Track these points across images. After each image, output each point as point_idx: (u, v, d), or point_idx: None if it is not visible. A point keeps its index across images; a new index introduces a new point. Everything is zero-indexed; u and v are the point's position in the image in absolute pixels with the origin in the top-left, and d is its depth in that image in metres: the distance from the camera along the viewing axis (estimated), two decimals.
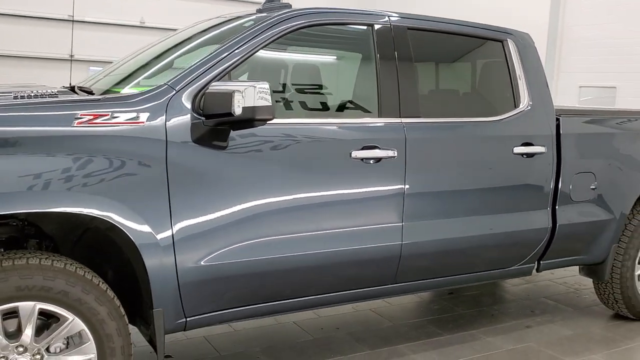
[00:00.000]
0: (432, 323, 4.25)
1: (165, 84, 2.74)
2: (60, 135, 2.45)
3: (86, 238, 2.90)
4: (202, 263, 2.72)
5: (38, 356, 2.49)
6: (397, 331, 4.07)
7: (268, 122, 2.69)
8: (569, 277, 5.48)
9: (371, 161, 3.09)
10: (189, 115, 2.68)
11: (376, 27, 3.27)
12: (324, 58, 3.43)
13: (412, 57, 3.34)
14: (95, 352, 2.56)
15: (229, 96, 2.56)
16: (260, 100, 2.55)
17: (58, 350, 2.55)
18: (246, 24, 3.08)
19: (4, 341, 2.41)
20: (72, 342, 2.56)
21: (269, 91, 2.56)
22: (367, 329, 4.10)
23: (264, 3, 3.34)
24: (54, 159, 2.42)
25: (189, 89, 2.73)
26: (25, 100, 2.52)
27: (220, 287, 2.80)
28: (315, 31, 3.16)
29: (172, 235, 2.63)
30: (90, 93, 3.06)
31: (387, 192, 3.16)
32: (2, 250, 2.71)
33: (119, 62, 3.86)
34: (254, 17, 3.14)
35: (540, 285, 5.27)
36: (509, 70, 3.74)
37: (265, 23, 2.99)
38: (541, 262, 3.94)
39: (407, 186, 3.21)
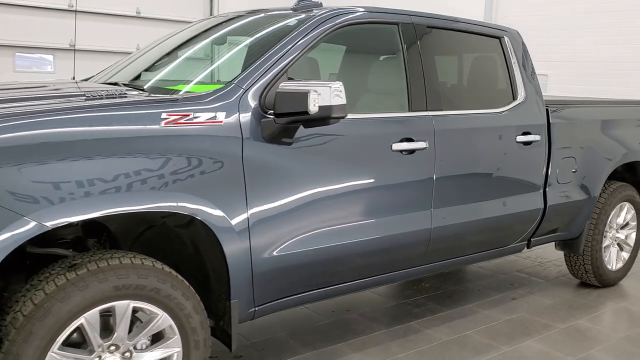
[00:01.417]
0: (431, 300, 4.56)
1: (232, 82, 2.82)
2: (150, 135, 2.49)
3: (147, 235, 2.94)
4: (274, 253, 2.85)
5: (127, 354, 2.53)
6: (402, 310, 4.35)
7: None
8: (530, 252, 5.99)
9: (407, 152, 3.32)
10: (258, 114, 2.79)
11: (402, 25, 3.48)
12: (360, 56, 3.60)
13: (432, 53, 3.58)
14: (181, 346, 2.64)
15: (304, 96, 2.68)
16: (335, 98, 2.69)
17: (144, 346, 2.61)
18: (291, 23, 3.20)
19: (99, 340, 2.44)
20: (157, 338, 2.62)
21: (343, 90, 2.71)
22: (374, 309, 4.34)
23: (298, 2, 3.46)
24: (145, 159, 2.46)
25: (255, 88, 2.83)
26: (109, 101, 2.53)
27: (287, 275, 2.94)
28: (352, 30, 3.31)
29: (249, 228, 2.74)
30: (141, 90, 3.07)
31: (420, 181, 3.40)
32: (71, 250, 2.72)
33: (135, 56, 3.85)
34: (300, 16, 3.25)
35: (509, 260, 5.73)
36: (506, 65, 4.08)
37: (313, 22, 3.12)
38: (531, 239, 4.34)
39: (435, 175, 3.46)
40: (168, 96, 2.71)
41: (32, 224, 2.19)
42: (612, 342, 3.95)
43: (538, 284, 5.07)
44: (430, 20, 3.65)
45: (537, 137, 4.05)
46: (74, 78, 4.07)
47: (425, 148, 3.39)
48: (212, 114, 2.66)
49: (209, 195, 2.62)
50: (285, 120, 2.77)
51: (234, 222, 2.69)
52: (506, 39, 4.11)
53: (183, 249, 2.90)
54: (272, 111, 2.82)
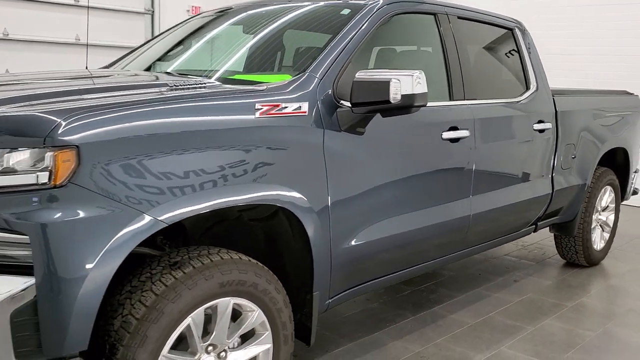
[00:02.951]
0: (441, 286, 4.66)
1: (306, 72, 2.76)
2: (248, 126, 2.41)
3: (213, 231, 2.84)
4: (350, 243, 2.83)
5: (223, 354, 2.45)
6: (419, 296, 4.42)
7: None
8: None
9: (453, 141, 3.38)
10: (332, 103, 2.75)
11: (439, 16, 3.53)
12: (402, 46, 3.61)
13: (464, 43, 3.66)
14: (272, 341, 2.58)
15: (385, 84, 2.67)
16: (417, 87, 2.70)
17: (236, 345, 2.52)
18: (344, 12, 3.17)
19: (201, 341, 2.34)
20: (246, 336, 2.55)
21: (424, 78, 2.72)
22: (393, 297, 4.38)
23: None
24: (244, 150, 2.38)
25: (328, 77, 2.79)
26: (205, 91, 2.42)
27: (358, 265, 2.93)
28: (399, 19, 3.32)
29: (329, 219, 2.71)
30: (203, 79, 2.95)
31: (463, 168, 3.48)
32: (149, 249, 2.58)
33: (157, 44, 3.69)
34: (348, 4, 3.22)
35: None
36: (519, 55, 4.23)
37: (369, 9, 3.10)
38: (538, 223, 4.53)
39: (474, 163, 3.55)
40: (257, 87, 2.62)
41: (149, 219, 2.07)
42: (620, 316, 4.19)
43: (530, 266, 5.29)
44: (459, 11, 3.72)
45: (549, 125, 4.22)
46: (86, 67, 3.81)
47: (467, 137, 3.46)
48: (297, 104, 2.60)
49: (298, 187, 2.56)
50: (363, 110, 2.75)
51: (318, 213, 2.65)
52: (517, 30, 4.26)
53: (252, 243, 2.83)
54: (343, 101, 2.78)
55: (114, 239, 1.99)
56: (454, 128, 3.37)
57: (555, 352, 3.60)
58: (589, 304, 4.42)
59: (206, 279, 2.27)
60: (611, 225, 5.44)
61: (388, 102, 2.68)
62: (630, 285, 4.88)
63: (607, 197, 5.29)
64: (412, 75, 2.68)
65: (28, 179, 1.92)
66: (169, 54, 3.58)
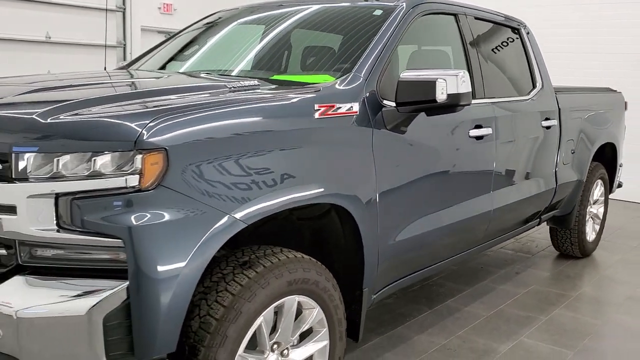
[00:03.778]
0: (447, 280, 4.77)
1: (351, 72, 2.81)
2: (309, 127, 2.44)
3: (262, 229, 2.86)
4: (395, 239, 2.89)
5: (285, 351, 2.47)
6: (429, 290, 4.52)
7: None
8: None
9: (478, 139, 3.48)
10: (377, 102, 2.80)
11: (459, 17, 3.62)
12: (426, 46, 3.68)
13: (480, 43, 3.77)
14: (328, 338, 2.61)
15: (431, 84, 2.74)
16: (462, 86, 2.78)
17: (295, 342, 2.55)
18: (376, 13, 3.22)
19: (268, 339, 2.36)
20: (304, 333, 2.58)
21: (468, 78, 2.80)
22: (403, 292, 4.46)
23: None
24: (305, 149, 2.42)
25: (372, 77, 2.84)
26: (266, 94, 2.44)
27: (402, 259, 3.00)
28: (426, 19, 3.40)
29: (377, 216, 2.76)
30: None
31: (486, 165, 3.59)
32: None
33: (180, 44, 3.67)
34: (379, 5, 3.28)
35: None
36: (525, 54, 4.36)
37: (399, 10, 3.16)
38: (542, 216, 4.69)
39: (495, 160, 3.66)
40: (310, 88, 2.64)
41: (231, 220, 2.08)
42: (622, 304, 4.38)
43: (526, 258, 5.46)
44: (475, 11, 3.83)
45: (555, 122, 4.38)
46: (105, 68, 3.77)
47: (490, 134, 3.57)
48: (349, 105, 2.65)
49: (353, 186, 2.61)
50: (409, 109, 2.81)
51: (369, 210, 2.70)
52: (522, 29, 4.39)
53: (297, 242, 2.85)
54: (385, 100, 2.84)
55: (202, 240, 2.00)
56: (479, 126, 3.47)
57: (573, 340, 3.75)
58: (590, 294, 4.60)
59: (276, 277, 2.30)
60: (601, 218, 5.65)
61: (434, 101, 2.75)
62: (623, 274, 5.09)
63: (598, 190, 5.50)
64: (458, 75, 2.76)
65: (118, 183, 1.91)
66: (196, 54, 3.56)
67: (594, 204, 5.52)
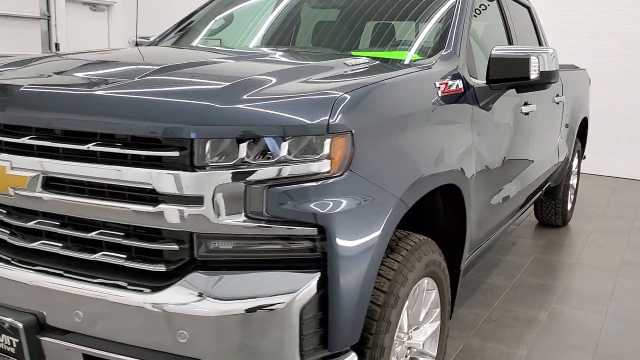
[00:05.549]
0: None
1: (448, 49, 2.77)
2: (436, 105, 2.40)
3: None
4: (483, 213, 2.92)
5: (411, 333, 2.45)
6: None
7: None
8: None
9: (526, 114, 3.56)
10: (468, 79, 2.79)
11: None
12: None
13: (513, 22, 3.84)
14: (439, 318, 2.61)
15: (525, 61, 2.76)
16: (552, 63, 2.82)
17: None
18: None
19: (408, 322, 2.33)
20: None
21: (557, 56, 2.84)
22: None
23: None
24: (438, 128, 2.37)
25: (462, 54, 2.82)
26: (397, 72, 2.35)
27: (483, 232, 3.04)
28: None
29: (474, 193, 2.77)
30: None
31: (531, 139, 3.69)
32: None
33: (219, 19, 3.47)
34: None
35: None
36: (535, 30, 4.49)
37: None
38: (543, 188, 4.89)
39: (535, 134, 3.77)
40: (418, 65, 2.58)
41: (401, 202, 2.01)
42: (619, 269, 4.68)
43: (514, 229, 5.69)
44: None
45: (563, 98, 4.56)
46: (137, 44, 3.46)
47: (534, 111, 3.66)
48: (455, 82, 2.62)
49: (462, 163, 2.60)
50: (502, 86, 2.82)
51: (471, 188, 2.70)
52: (532, 8, 4.51)
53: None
54: (472, 77, 2.83)
55: (383, 226, 1.92)
56: (527, 103, 3.55)
57: (599, 305, 3.97)
58: (587, 261, 4.87)
59: (418, 260, 2.25)
60: (575, 188, 5.98)
61: (526, 78, 2.77)
62: (605, 240, 5.43)
63: (574, 162, 5.81)
64: (550, 52, 2.79)
65: (309, 169, 1.78)
66: (248, 29, 3.36)
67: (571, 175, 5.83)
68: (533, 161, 3.85)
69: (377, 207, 1.91)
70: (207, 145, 1.74)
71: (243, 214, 1.76)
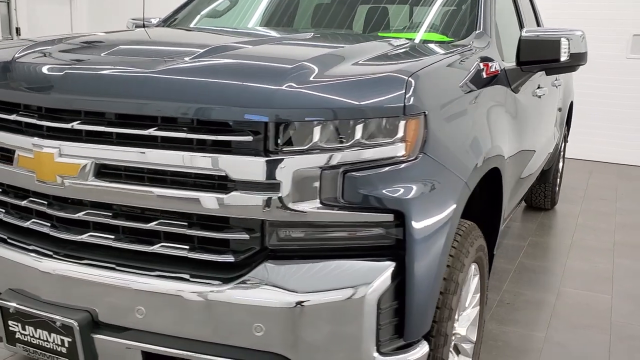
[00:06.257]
0: None
1: (479, 30, 2.73)
2: (484, 85, 2.36)
3: None
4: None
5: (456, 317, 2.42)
6: None
7: None
8: None
9: (538, 97, 3.56)
10: (499, 60, 2.76)
11: None
12: None
13: (521, 6, 3.83)
14: (479, 304, 2.59)
15: (556, 43, 2.74)
16: (582, 45, 2.81)
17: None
18: None
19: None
20: None
21: (586, 38, 2.83)
22: None
23: None
24: (489, 109, 2.34)
25: (493, 35, 2.78)
26: (456, 52, 2.29)
27: (505, 213, 3.02)
28: None
29: (509, 174, 2.75)
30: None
31: (542, 121, 3.70)
32: None
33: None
34: None
35: None
36: (534, 13, 4.50)
37: None
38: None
39: (544, 115, 3.79)
40: (457, 46, 2.53)
41: (466, 186, 1.97)
42: (613, 250, 4.77)
43: None
44: None
45: (561, 82, 4.59)
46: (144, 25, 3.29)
47: (545, 94, 3.66)
48: (494, 63, 2.58)
49: (503, 145, 2.56)
50: (533, 68, 2.80)
51: (506, 169, 2.67)
52: None
53: None
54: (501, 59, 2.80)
55: (454, 210, 1.87)
56: (539, 86, 3.54)
57: (603, 285, 4.03)
58: (583, 241, 4.94)
59: (471, 245, 2.22)
60: (560, 171, 6.07)
61: (557, 60, 2.75)
62: (594, 222, 5.52)
63: (562, 146, 5.89)
64: (579, 34, 2.78)
65: (385, 152, 1.71)
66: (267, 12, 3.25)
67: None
68: (542, 145, 3.86)
69: (448, 191, 1.86)
70: (282, 129, 1.65)
71: (318, 200, 1.67)
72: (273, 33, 2.67)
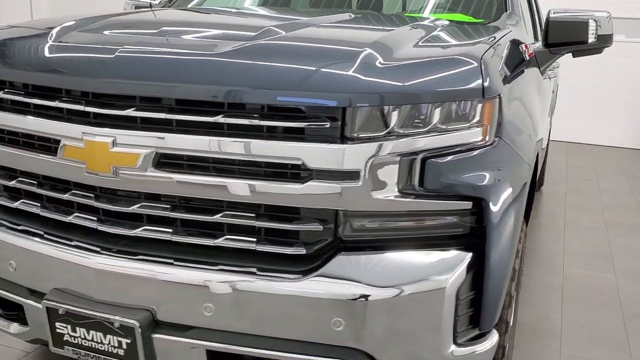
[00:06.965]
0: None
1: (510, 10, 2.69)
2: (528, 67, 2.31)
3: None
4: None
5: None
6: None
7: None
8: None
9: (548, 78, 3.56)
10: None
11: None
12: None
13: None
14: (516, 288, 2.57)
15: (584, 25, 2.72)
16: (609, 27, 2.79)
17: None
18: None
19: None
20: None
21: (612, 19, 2.82)
22: None
23: None
24: (530, 94, 2.31)
25: (522, 16, 2.75)
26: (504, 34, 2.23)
27: None
28: None
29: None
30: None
31: (552, 97, 3.70)
32: None
33: None
34: None
35: None
36: (536, 5, 4.49)
37: None
38: None
39: (550, 100, 3.79)
40: (504, 26, 2.47)
41: (530, 172, 1.93)
42: (608, 230, 4.85)
43: None
44: None
45: (559, 63, 4.60)
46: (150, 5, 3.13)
47: (555, 77, 3.66)
48: (530, 45, 2.54)
49: (539, 126, 2.53)
50: (561, 50, 2.77)
51: (540, 152, 2.65)
52: None
53: None
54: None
55: (524, 195, 1.83)
56: (552, 68, 3.54)
57: (604, 264, 4.09)
58: (575, 221, 5.01)
59: (521, 230, 2.17)
60: (545, 152, 6.14)
61: (584, 42, 2.73)
62: (582, 202, 5.61)
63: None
64: (605, 15, 2.76)
65: (463, 137, 1.65)
66: None
67: None
68: (546, 127, 3.87)
69: (520, 176, 1.82)
70: (359, 115, 1.57)
71: (396, 188, 1.60)
72: (301, 15, 2.57)
